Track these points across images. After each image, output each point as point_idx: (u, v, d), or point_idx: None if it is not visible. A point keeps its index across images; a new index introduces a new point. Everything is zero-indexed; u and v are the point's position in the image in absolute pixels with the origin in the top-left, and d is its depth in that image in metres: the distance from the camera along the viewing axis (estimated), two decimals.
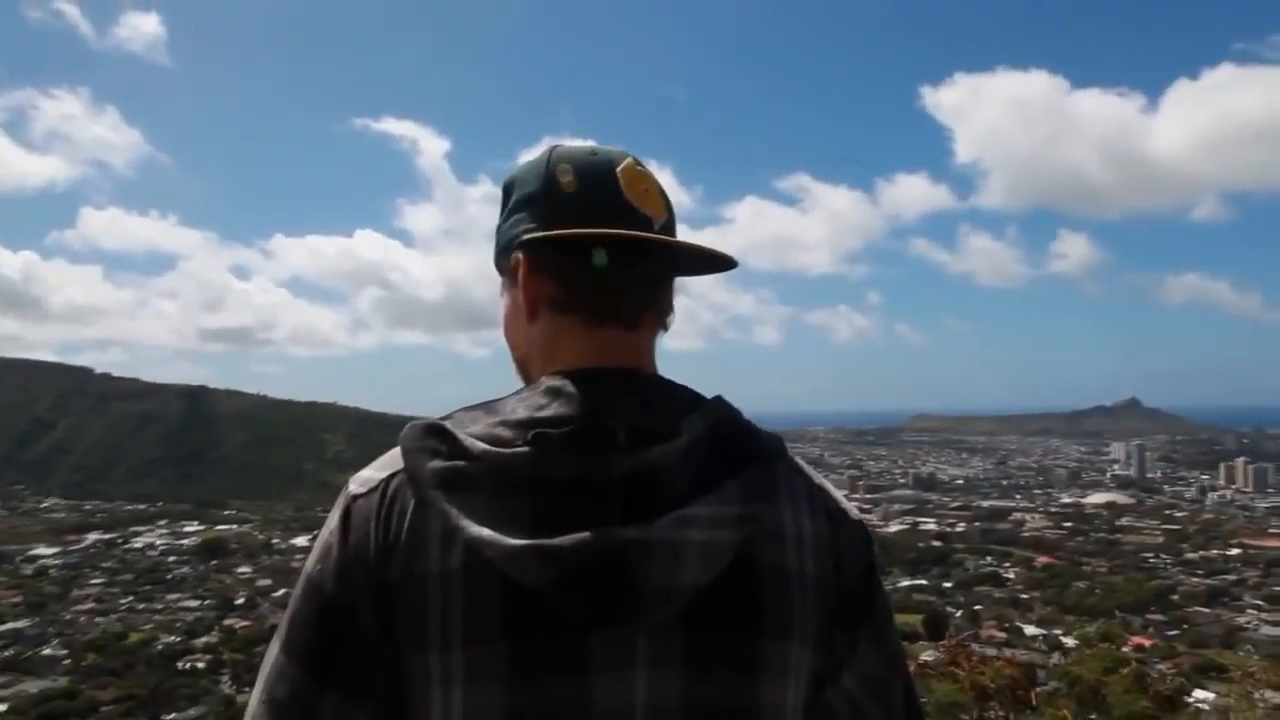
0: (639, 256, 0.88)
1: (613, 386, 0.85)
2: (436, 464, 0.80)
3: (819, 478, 0.94)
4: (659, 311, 0.94)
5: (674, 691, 0.79)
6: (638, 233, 0.87)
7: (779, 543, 0.85)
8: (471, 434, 0.81)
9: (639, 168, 0.92)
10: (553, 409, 0.82)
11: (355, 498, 0.84)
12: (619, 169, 0.91)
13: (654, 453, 0.79)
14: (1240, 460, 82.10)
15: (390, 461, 0.86)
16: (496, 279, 1.00)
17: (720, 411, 0.87)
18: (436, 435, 0.82)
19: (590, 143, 0.95)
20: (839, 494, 0.95)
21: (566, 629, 0.77)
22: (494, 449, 0.79)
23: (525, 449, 0.79)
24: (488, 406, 0.86)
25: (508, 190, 0.96)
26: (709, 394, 0.91)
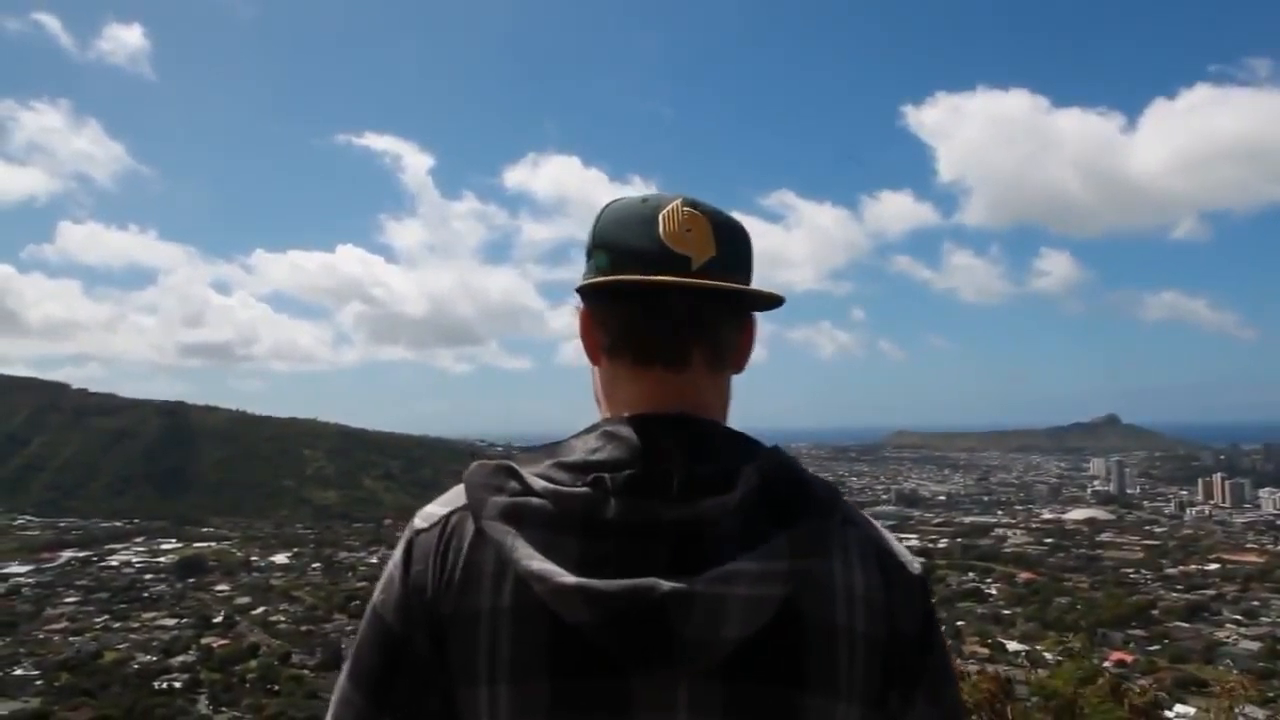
0: (672, 296, 0.90)
1: (663, 433, 0.87)
2: (501, 499, 0.85)
3: (876, 529, 0.94)
4: (713, 349, 0.94)
5: None
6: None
7: (828, 598, 0.85)
8: (533, 473, 0.86)
9: (686, 209, 0.93)
10: (605, 452, 0.85)
11: (418, 532, 0.90)
12: (663, 213, 0.93)
13: (706, 504, 0.81)
14: (1218, 476, 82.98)
15: (453, 498, 0.91)
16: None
17: (776, 461, 0.88)
18: (505, 473, 0.87)
19: (644, 192, 0.98)
20: (897, 545, 0.94)
21: (610, 672, 0.79)
22: (554, 487, 0.83)
23: (583, 490, 0.82)
24: (549, 449, 0.89)
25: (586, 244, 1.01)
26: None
